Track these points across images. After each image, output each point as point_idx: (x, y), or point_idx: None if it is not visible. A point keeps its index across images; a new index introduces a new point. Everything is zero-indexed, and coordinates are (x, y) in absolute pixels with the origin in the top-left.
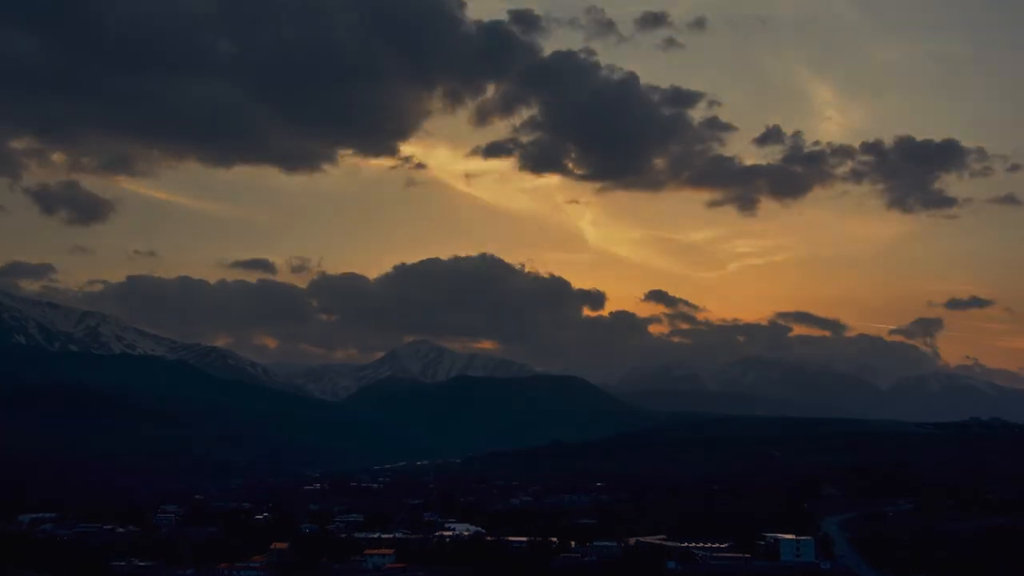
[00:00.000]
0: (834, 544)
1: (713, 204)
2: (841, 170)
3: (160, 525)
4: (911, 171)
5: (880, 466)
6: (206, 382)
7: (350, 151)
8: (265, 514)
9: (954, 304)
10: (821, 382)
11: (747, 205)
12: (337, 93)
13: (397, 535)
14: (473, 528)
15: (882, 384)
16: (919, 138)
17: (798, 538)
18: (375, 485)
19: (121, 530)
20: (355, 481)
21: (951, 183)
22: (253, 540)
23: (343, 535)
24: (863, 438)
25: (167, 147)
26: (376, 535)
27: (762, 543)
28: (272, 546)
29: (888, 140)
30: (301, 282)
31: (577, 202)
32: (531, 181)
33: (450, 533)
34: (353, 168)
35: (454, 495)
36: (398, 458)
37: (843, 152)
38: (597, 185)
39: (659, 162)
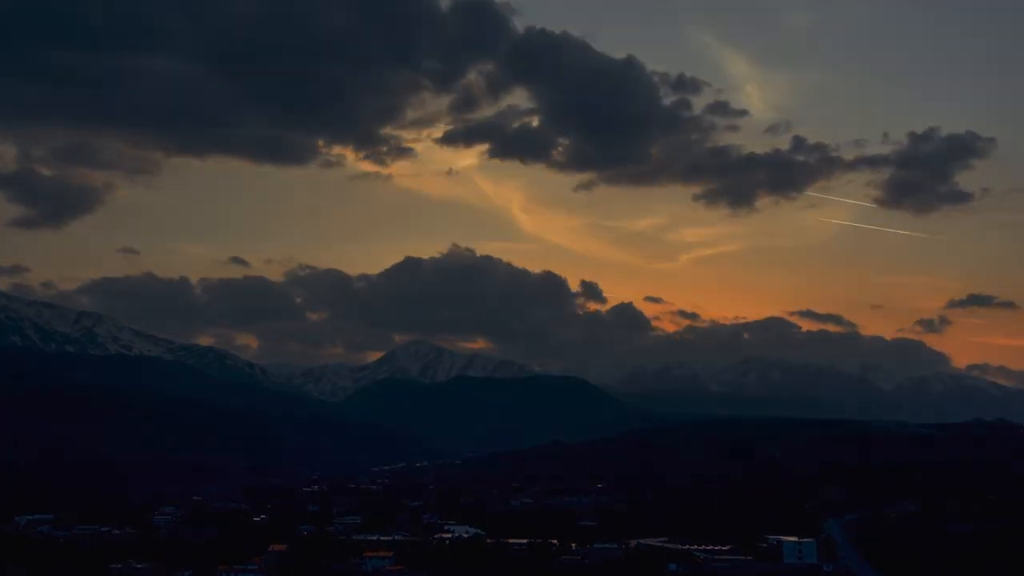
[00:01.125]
0: (837, 546)
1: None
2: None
3: (158, 526)
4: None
5: (883, 467)
6: (204, 382)
7: (319, 140)
8: (263, 516)
9: (955, 304)
10: (823, 382)
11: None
12: (309, 78)
13: (396, 537)
14: (473, 530)
15: (885, 385)
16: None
17: (800, 540)
18: (374, 486)
19: (118, 532)
20: (354, 482)
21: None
22: (251, 542)
23: (342, 537)
24: (865, 439)
25: (126, 135)
26: (375, 537)
27: (764, 545)
28: (270, 548)
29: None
30: (281, 278)
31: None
32: (513, 169)
33: (450, 535)
34: (322, 158)
35: (454, 496)
36: (397, 459)
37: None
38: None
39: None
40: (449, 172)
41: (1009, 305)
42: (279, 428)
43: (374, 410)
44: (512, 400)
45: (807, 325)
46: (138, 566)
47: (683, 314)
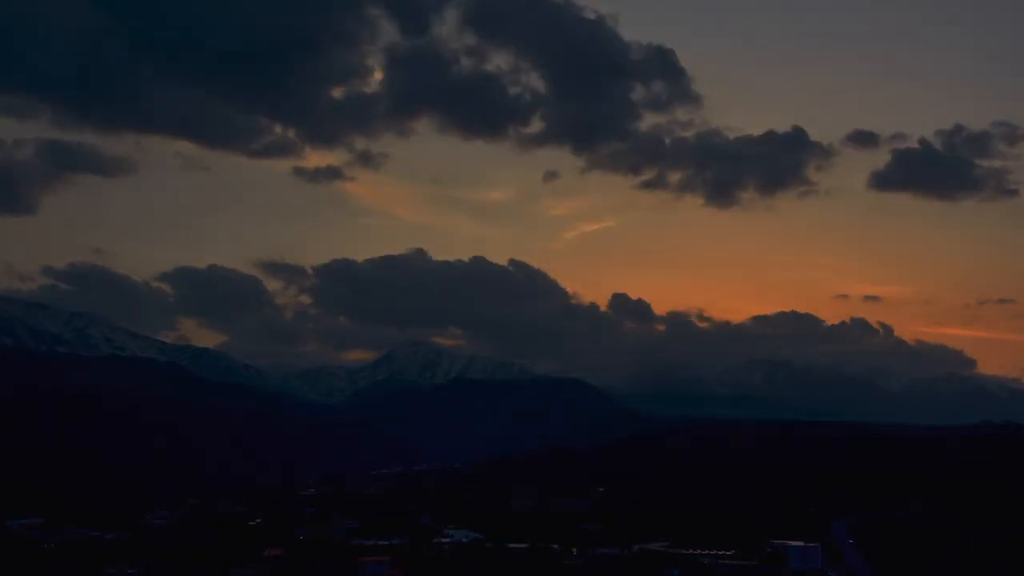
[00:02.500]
0: (842, 550)
1: None
2: None
3: (153, 529)
4: None
5: (889, 470)
6: (199, 384)
7: (267, 120)
8: (259, 520)
9: (965, 302)
10: (829, 384)
11: None
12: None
13: (394, 541)
14: (472, 534)
15: (893, 386)
16: None
17: (805, 544)
18: (372, 489)
19: (113, 535)
20: (352, 485)
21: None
22: (247, 546)
23: (339, 541)
24: (871, 441)
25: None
26: (373, 541)
27: (769, 549)
28: (266, 552)
29: None
30: (250, 272)
31: None
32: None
33: (449, 539)
34: (275, 143)
35: (453, 500)
36: (395, 462)
37: None
38: None
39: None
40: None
41: (1011, 301)
42: (276, 430)
43: (372, 412)
44: (512, 401)
45: (812, 324)
46: (132, 570)
47: (681, 313)
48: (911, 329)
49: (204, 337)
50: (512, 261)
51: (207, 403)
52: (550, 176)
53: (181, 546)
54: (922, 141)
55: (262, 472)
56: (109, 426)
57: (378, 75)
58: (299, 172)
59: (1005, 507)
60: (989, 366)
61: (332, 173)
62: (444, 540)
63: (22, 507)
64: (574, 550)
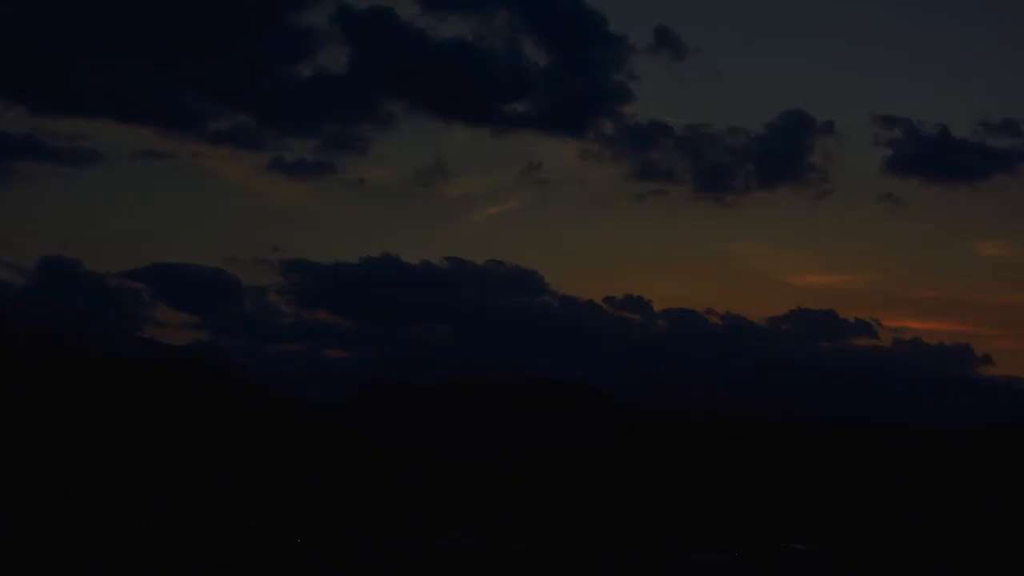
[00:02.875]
0: (846, 553)
1: None
2: None
3: (152, 531)
4: None
5: (891, 471)
6: (195, 385)
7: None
8: (256, 522)
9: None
10: (832, 383)
11: None
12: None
13: (393, 543)
14: (472, 536)
15: (898, 386)
16: None
17: (808, 547)
18: (370, 490)
19: (111, 537)
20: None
21: None
22: (244, 548)
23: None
24: (876, 443)
25: None
26: (371, 543)
27: (772, 552)
28: (264, 555)
29: None
30: (224, 268)
31: None
32: None
33: (448, 541)
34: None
35: (452, 501)
36: (395, 462)
37: None
38: None
39: None
40: None
41: None
42: (273, 431)
43: (370, 413)
44: (513, 405)
45: (815, 323)
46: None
47: (681, 311)
48: (918, 327)
49: (185, 335)
50: (492, 260)
51: (205, 404)
52: (532, 167)
53: (181, 547)
54: (940, 125)
55: (259, 473)
56: (109, 426)
57: (346, 54)
58: (273, 163)
59: (1006, 507)
60: (1004, 365)
61: (306, 164)
62: (444, 542)
63: (21, 507)
64: (575, 552)
